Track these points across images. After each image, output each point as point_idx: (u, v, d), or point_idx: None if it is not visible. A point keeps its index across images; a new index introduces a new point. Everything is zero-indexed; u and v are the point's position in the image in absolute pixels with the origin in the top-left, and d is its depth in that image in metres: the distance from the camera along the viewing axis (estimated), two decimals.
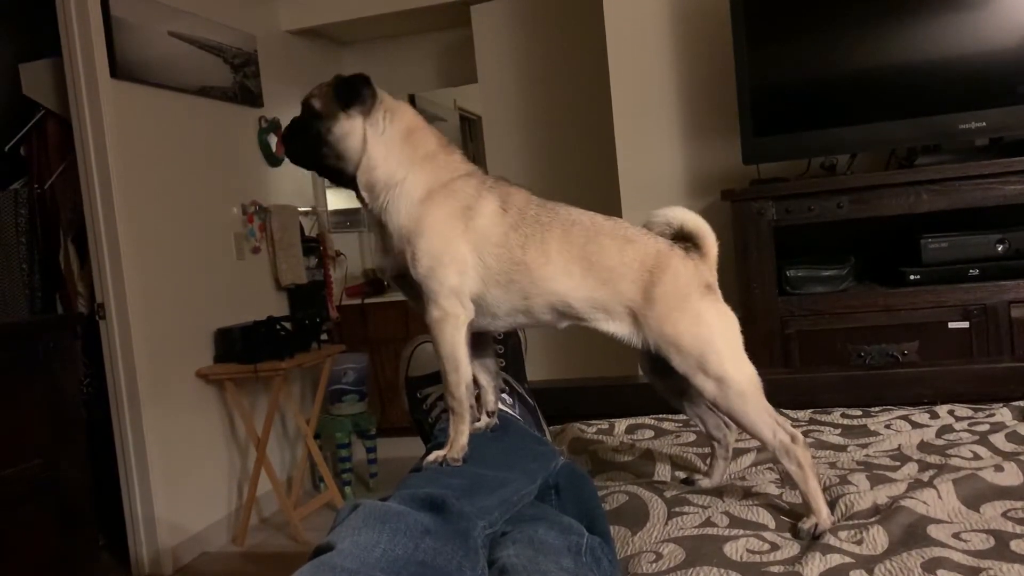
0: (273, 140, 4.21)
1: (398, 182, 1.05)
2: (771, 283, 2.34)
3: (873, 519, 1.01)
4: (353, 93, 1.05)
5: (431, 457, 1.05)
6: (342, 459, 4.17)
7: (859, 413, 1.50)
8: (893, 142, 2.41)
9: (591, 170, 3.80)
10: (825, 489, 1.11)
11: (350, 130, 1.06)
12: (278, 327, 3.68)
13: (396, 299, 4.61)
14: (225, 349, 3.65)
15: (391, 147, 1.06)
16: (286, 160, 4.37)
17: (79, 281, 3.44)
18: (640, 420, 1.54)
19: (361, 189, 1.08)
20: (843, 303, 2.33)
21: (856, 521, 1.02)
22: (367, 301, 4.67)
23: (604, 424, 1.54)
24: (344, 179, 1.09)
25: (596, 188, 3.61)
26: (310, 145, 1.08)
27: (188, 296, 3.54)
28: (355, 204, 5.38)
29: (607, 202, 3.06)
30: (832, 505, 1.07)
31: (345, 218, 4.87)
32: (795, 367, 2.29)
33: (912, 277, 2.29)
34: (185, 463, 3.45)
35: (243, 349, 3.59)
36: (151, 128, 3.41)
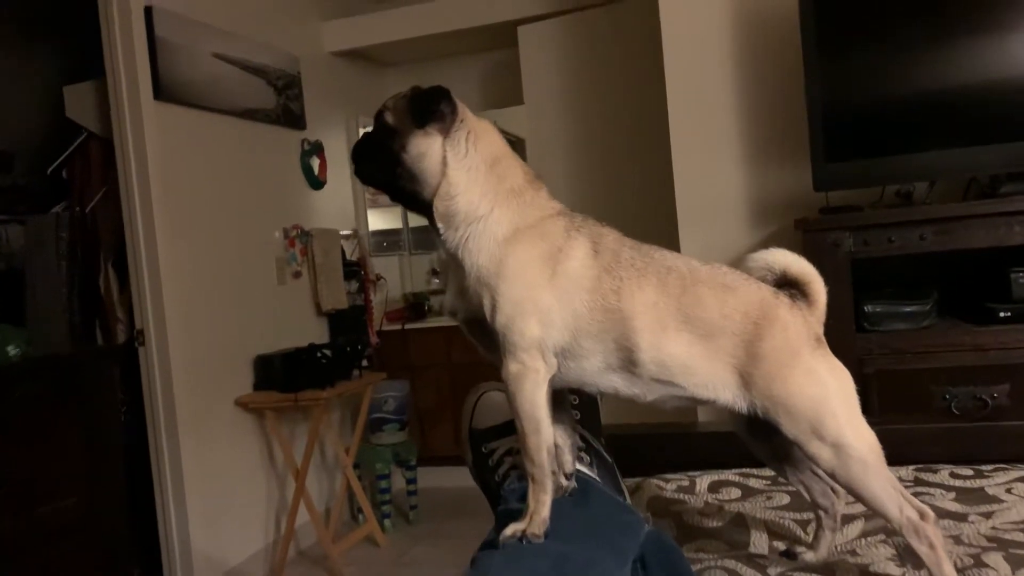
0: (316, 163, 4.13)
1: (481, 216, 0.93)
2: (848, 319, 2.19)
3: None
4: (429, 110, 0.93)
5: (508, 531, 0.92)
6: (382, 490, 4.05)
7: (970, 472, 1.35)
8: (977, 168, 2.25)
9: (644, 194, 3.66)
10: (959, 572, 0.97)
11: (427, 149, 0.94)
12: (319, 355, 3.58)
13: (437, 324, 4.50)
14: (265, 376, 3.56)
15: (474, 175, 0.95)
16: (328, 183, 4.34)
17: (118, 306, 3.38)
18: (723, 475, 1.40)
19: (437, 218, 0.96)
20: (926, 341, 2.17)
21: None
22: (408, 327, 4.57)
23: (684, 480, 1.40)
24: (418, 204, 0.98)
25: (649, 214, 3.46)
26: (383, 164, 0.97)
27: (228, 322, 3.46)
28: (394, 225, 5.18)
29: (661, 229, 2.92)
30: None
31: (383, 239, 4.77)
32: (873, 409, 2.13)
33: (1002, 314, 2.12)
34: (223, 493, 3.35)
35: (283, 377, 3.50)
36: (193, 151, 3.35)
